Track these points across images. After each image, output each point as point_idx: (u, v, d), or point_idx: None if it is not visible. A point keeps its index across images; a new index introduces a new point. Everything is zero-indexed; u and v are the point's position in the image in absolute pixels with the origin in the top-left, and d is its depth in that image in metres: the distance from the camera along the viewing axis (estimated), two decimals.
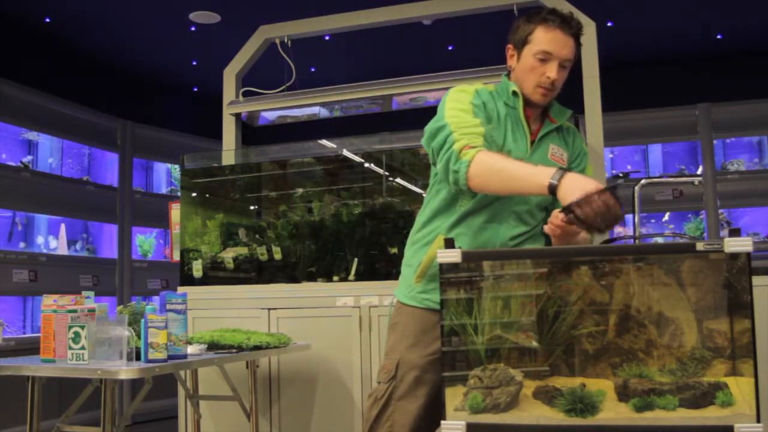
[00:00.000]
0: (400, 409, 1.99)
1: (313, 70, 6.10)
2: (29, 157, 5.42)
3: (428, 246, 2.04)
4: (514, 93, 2.06)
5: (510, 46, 2.08)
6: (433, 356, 1.97)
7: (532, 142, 2.05)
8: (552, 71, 1.98)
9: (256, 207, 4.06)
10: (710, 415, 1.54)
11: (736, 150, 6.06)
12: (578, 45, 2.03)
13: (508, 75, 2.12)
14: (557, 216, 1.78)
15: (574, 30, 1.99)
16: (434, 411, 1.97)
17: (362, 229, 3.60)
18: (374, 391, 2.05)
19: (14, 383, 2.63)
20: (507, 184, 1.84)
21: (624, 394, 1.59)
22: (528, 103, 2.06)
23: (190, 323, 3.48)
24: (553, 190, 1.72)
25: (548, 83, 2.00)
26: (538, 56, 1.98)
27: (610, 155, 6.30)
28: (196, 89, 6.92)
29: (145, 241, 6.21)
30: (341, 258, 3.58)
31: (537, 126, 2.09)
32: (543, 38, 1.98)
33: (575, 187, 1.69)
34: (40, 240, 5.42)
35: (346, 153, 3.83)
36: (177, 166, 6.37)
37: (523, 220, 2.03)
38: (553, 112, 2.12)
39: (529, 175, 1.78)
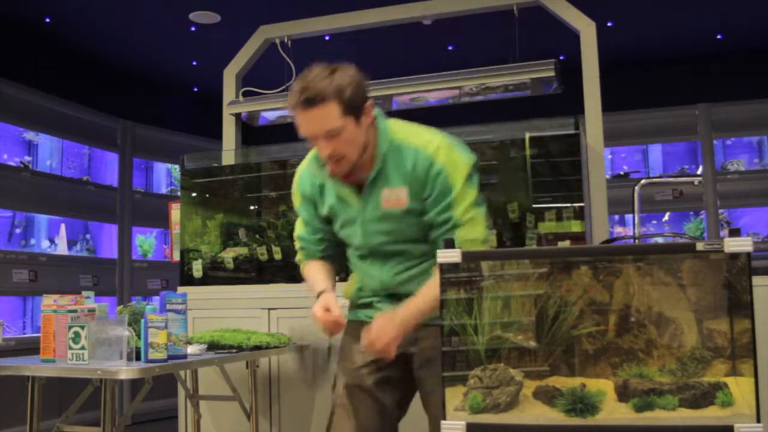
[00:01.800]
0: (341, 418, 2.09)
1: None
2: (28, 158, 5.42)
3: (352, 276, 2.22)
4: (318, 161, 2.04)
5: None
6: (361, 365, 2.08)
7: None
8: (321, 150, 1.90)
9: (256, 207, 4.06)
10: (710, 415, 1.54)
11: (736, 150, 6.07)
12: (339, 101, 1.84)
13: None
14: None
15: (315, 103, 1.83)
16: (375, 413, 2.08)
17: None
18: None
19: (14, 383, 2.63)
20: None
21: (624, 394, 1.59)
22: None
23: (190, 323, 3.48)
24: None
25: (326, 159, 1.92)
26: (307, 139, 1.93)
27: (610, 156, 6.30)
28: (196, 89, 6.92)
29: (145, 241, 6.21)
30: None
31: (365, 174, 1.98)
32: (298, 124, 1.90)
33: (314, 307, 2.03)
34: (44, 244, 5.42)
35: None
36: (177, 166, 6.37)
37: (401, 257, 2.04)
38: (378, 150, 1.96)
39: (311, 286, 2.12)
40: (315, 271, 2.15)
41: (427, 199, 1.95)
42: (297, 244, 2.22)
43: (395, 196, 1.96)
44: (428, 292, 1.90)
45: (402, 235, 2.00)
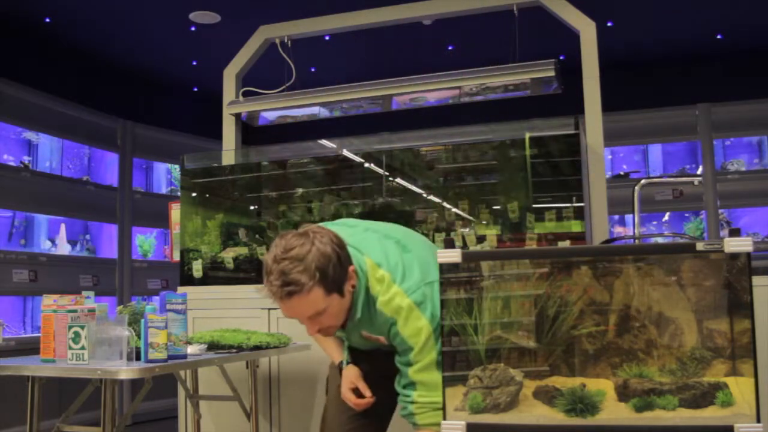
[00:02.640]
0: (333, 419, 2.15)
1: (313, 70, 6.10)
2: (28, 158, 5.41)
3: None
4: None
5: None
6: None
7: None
8: (309, 330, 1.92)
9: (256, 207, 4.06)
10: (710, 415, 1.54)
11: (736, 150, 6.06)
12: (320, 284, 1.79)
13: None
14: None
15: (289, 296, 1.79)
16: (368, 419, 2.13)
17: None
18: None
19: (14, 383, 2.63)
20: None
21: (624, 394, 1.59)
22: None
23: (190, 323, 3.48)
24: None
25: (315, 333, 1.96)
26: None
27: (610, 156, 6.30)
28: (196, 89, 6.92)
29: (145, 241, 6.21)
30: None
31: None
32: (283, 309, 1.89)
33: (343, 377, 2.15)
34: (44, 244, 5.42)
35: (346, 153, 3.83)
36: (177, 166, 6.37)
37: (390, 353, 2.04)
38: (356, 300, 1.94)
39: (329, 354, 2.26)
40: (324, 339, 2.23)
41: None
42: None
43: (375, 337, 2.00)
44: None
45: (387, 347, 2.03)
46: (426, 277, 1.89)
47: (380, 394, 2.09)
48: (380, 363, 2.07)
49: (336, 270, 1.81)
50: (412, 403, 1.90)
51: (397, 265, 1.92)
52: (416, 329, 1.87)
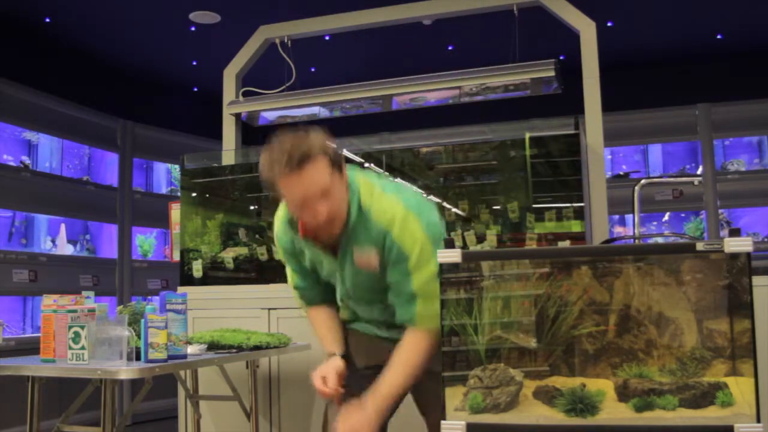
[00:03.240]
0: (332, 422, 2.05)
1: (313, 70, 6.11)
2: (27, 159, 5.42)
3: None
4: (290, 222, 2.04)
5: (274, 195, 1.96)
6: (354, 370, 2.10)
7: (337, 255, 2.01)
8: (318, 214, 1.84)
9: (256, 207, 4.06)
10: (710, 415, 1.54)
11: (736, 150, 6.06)
12: (325, 155, 1.83)
13: None
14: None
15: (304, 164, 1.79)
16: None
17: None
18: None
19: (14, 383, 2.63)
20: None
21: (624, 394, 1.59)
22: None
23: (190, 323, 3.48)
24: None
25: (314, 222, 1.88)
26: (295, 204, 1.88)
27: (609, 156, 6.30)
28: (196, 89, 6.92)
29: (145, 241, 6.21)
30: None
31: (338, 233, 1.96)
32: (286, 189, 1.85)
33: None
34: (44, 244, 5.42)
35: (346, 153, 3.83)
36: (177, 166, 6.37)
37: (386, 303, 2.02)
38: (350, 214, 1.92)
39: (321, 341, 2.15)
40: (320, 324, 2.18)
41: (387, 267, 1.93)
42: (294, 294, 2.23)
43: (366, 258, 1.94)
44: (400, 364, 1.92)
45: (381, 285, 1.98)
46: (424, 202, 1.98)
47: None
48: (380, 352, 2.05)
49: (335, 151, 1.86)
50: (414, 315, 1.91)
51: (391, 185, 2.00)
52: (412, 236, 1.87)
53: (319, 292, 2.17)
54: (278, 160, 1.80)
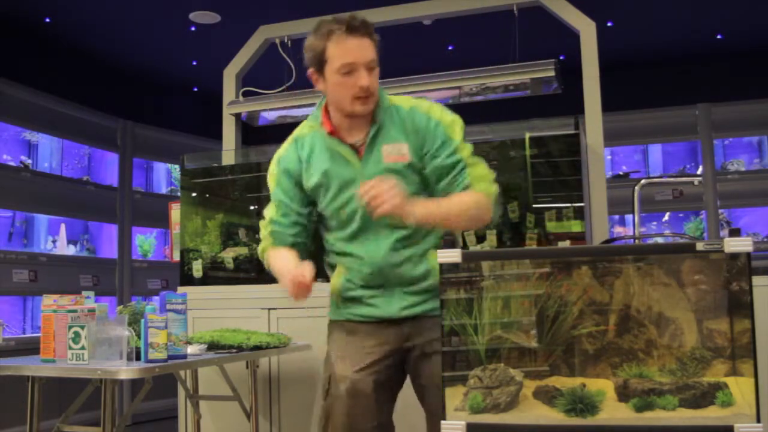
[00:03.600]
0: (337, 423, 1.99)
1: None
2: (27, 159, 5.41)
3: (334, 270, 2.12)
4: (298, 139, 2.07)
5: (311, 71, 1.98)
6: (358, 365, 2.00)
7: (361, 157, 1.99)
8: (362, 79, 1.90)
9: (256, 207, 4.06)
10: (710, 415, 1.54)
11: (736, 150, 6.07)
12: (375, 42, 1.94)
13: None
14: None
15: (363, 31, 1.90)
16: (374, 418, 2.01)
17: None
18: (320, 411, 2.08)
19: (14, 383, 2.63)
20: (279, 278, 2.00)
21: (624, 394, 1.59)
22: (352, 115, 1.98)
23: (190, 323, 3.48)
24: None
25: (363, 92, 1.91)
26: (342, 71, 1.90)
27: (609, 156, 6.30)
28: (196, 89, 6.92)
29: (145, 241, 6.21)
30: None
31: (364, 134, 1.99)
32: (338, 52, 1.89)
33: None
34: (44, 244, 5.42)
35: None
36: (177, 166, 6.37)
37: (400, 230, 1.97)
38: (376, 109, 1.99)
39: (280, 272, 1.99)
40: (285, 256, 2.03)
41: (427, 154, 1.96)
42: (265, 230, 2.10)
43: (397, 151, 1.96)
44: (455, 198, 1.91)
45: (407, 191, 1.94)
46: None
47: (386, 395, 2.04)
48: (388, 335, 2.00)
49: (379, 44, 1.95)
50: (468, 180, 1.94)
51: None
52: (451, 119, 1.98)
53: (296, 232, 2.07)
54: (342, 22, 1.87)
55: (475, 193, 1.93)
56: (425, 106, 2.01)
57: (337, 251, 2.08)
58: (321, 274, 3.63)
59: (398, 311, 2.00)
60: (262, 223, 2.12)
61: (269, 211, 2.10)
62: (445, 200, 1.93)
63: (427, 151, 1.96)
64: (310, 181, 2.03)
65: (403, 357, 2.05)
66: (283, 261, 2.01)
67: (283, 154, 2.09)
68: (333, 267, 2.13)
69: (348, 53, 1.88)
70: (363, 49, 1.90)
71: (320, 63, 1.93)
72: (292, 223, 2.07)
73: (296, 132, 2.10)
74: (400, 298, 1.99)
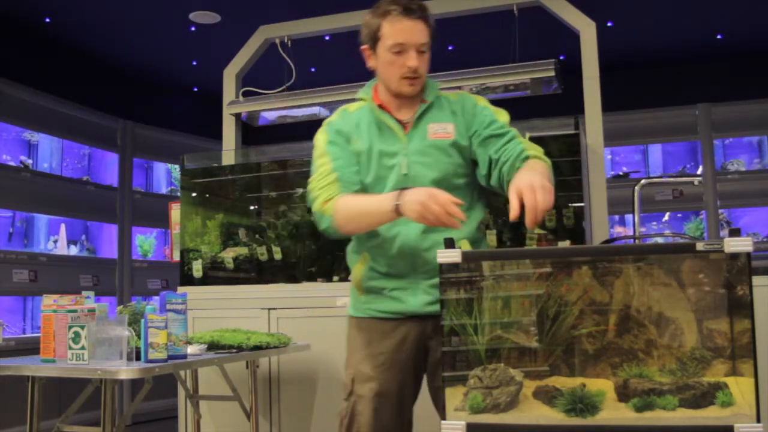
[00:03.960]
0: (363, 424, 1.96)
1: (313, 70, 6.11)
2: (27, 159, 5.41)
3: (358, 257, 2.08)
4: (344, 113, 2.10)
5: (364, 47, 2.05)
6: (383, 365, 1.98)
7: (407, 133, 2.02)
8: (411, 60, 1.96)
9: (256, 207, 4.06)
10: (710, 415, 1.54)
11: (736, 150, 6.07)
12: (429, 27, 1.99)
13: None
14: None
15: (418, 14, 1.96)
16: (397, 417, 1.99)
17: None
18: (340, 411, 2.04)
19: (14, 383, 2.63)
20: (365, 220, 1.92)
21: (624, 394, 1.59)
22: (399, 95, 2.03)
23: (190, 323, 3.48)
24: (399, 211, 1.80)
25: (411, 72, 1.97)
26: (393, 50, 1.96)
27: (609, 156, 6.30)
28: (196, 89, 6.92)
29: (145, 241, 6.21)
30: (341, 258, 3.58)
31: (412, 113, 2.04)
32: (391, 31, 1.95)
33: (413, 200, 1.76)
34: (44, 244, 5.42)
35: None
36: (177, 166, 6.37)
37: None
38: (426, 91, 2.06)
39: (376, 206, 1.87)
40: (367, 196, 1.95)
41: (474, 134, 2.01)
42: (328, 179, 1.98)
43: (442, 129, 2.01)
44: (533, 163, 1.89)
45: (442, 171, 1.97)
46: None
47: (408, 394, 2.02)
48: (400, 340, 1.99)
49: (435, 30, 2.01)
50: (523, 147, 1.93)
51: None
52: (498, 108, 2.05)
53: (359, 180, 2.00)
54: (399, 2, 1.94)
55: (539, 161, 1.91)
56: (474, 96, 2.11)
57: (367, 236, 2.03)
58: (321, 274, 3.64)
59: (422, 306, 1.97)
60: (315, 181, 2.02)
61: (324, 166, 2.02)
62: (532, 166, 1.86)
63: (475, 130, 2.01)
64: (356, 145, 2.04)
65: (425, 355, 2.02)
66: (365, 200, 1.93)
67: (332, 120, 2.12)
68: (357, 255, 2.08)
69: (400, 33, 1.95)
70: (416, 31, 1.95)
71: (374, 40, 2.00)
72: (355, 171, 2.01)
73: (343, 106, 2.14)
74: (425, 292, 1.97)
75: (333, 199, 1.94)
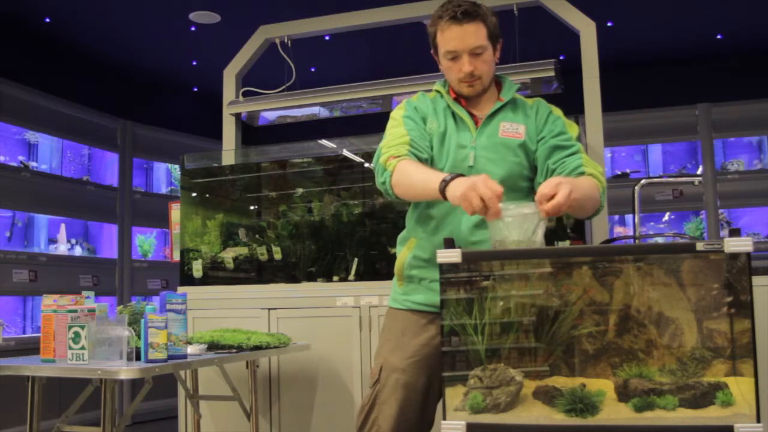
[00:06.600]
0: (384, 413, 1.98)
1: (313, 70, 6.11)
2: (26, 159, 5.41)
3: (405, 243, 2.13)
4: (440, 91, 2.15)
5: (432, 51, 2.12)
6: (413, 358, 2.00)
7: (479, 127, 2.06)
8: (464, 65, 1.99)
9: (256, 207, 4.06)
10: (710, 415, 1.54)
11: (736, 150, 6.06)
12: (486, 24, 1.99)
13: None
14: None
15: (465, 19, 1.96)
16: (420, 412, 2.00)
17: (362, 229, 3.61)
18: (363, 398, 2.07)
19: (14, 383, 2.63)
20: (413, 191, 1.92)
21: (624, 394, 1.59)
22: (461, 96, 2.10)
23: (190, 323, 3.48)
24: (443, 191, 1.78)
25: (467, 76, 2.01)
26: (447, 57, 2.02)
27: (609, 155, 6.30)
28: (196, 89, 6.92)
29: (145, 241, 6.21)
30: (341, 258, 3.58)
31: (486, 110, 2.08)
32: (443, 39, 2.01)
33: (461, 180, 1.74)
34: (44, 244, 5.42)
35: (346, 153, 3.83)
36: (177, 166, 6.37)
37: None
38: (503, 91, 2.11)
39: (426, 180, 1.85)
40: (428, 168, 1.93)
41: (542, 139, 2.03)
42: (400, 140, 2.00)
43: (514, 129, 2.04)
44: (587, 183, 1.89)
45: (508, 170, 2.00)
46: None
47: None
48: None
49: (496, 24, 2.02)
50: (581, 163, 1.95)
51: None
52: (570, 121, 2.08)
53: (428, 149, 2.03)
54: (448, 9, 1.98)
55: (592, 179, 1.93)
56: (550, 104, 2.13)
57: (419, 213, 2.08)
58: (322, 274, 3.64)
59: None
60: (387, 141, 2.04)
61: (398, 131, 2.05)
62: (575, 181, 1.81)
63: (543, 137, 2.04)
64: (431, 126, 2.08)
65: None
66: (428, 171, 1.90)
67: (412, 99, 2.17)
68: (404, 242, 2.13)
69: (450, 41, 1.99)
70: (465, 37, 1.97)
71: (434, 46, 2.08)
72: (426, 146, 2.04)
73: (421, 92, 2.19)
74: None
75: (399, 157, 1.97)
